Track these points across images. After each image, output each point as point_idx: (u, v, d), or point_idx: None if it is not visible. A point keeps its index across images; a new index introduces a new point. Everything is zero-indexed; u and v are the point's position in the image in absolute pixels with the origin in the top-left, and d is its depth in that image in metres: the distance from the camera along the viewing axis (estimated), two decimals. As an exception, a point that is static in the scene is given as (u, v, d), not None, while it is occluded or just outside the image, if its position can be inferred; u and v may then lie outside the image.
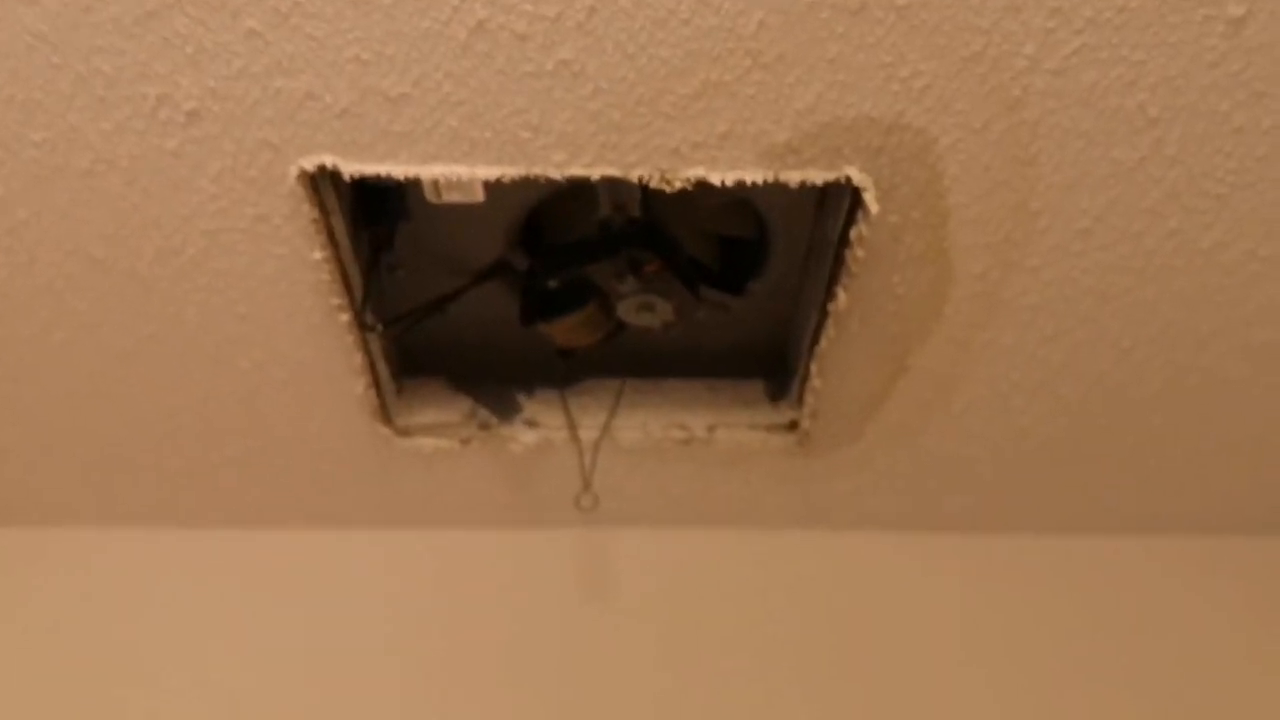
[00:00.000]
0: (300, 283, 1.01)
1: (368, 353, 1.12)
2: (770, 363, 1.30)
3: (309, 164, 0.87)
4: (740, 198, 1.09)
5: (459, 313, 1.20)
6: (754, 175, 0.89)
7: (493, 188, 0.98)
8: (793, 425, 1.27)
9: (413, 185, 1.00)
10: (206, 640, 1.35)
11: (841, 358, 1.13)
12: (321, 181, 0.91)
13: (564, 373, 1.28)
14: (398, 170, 0.89)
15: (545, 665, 1.36)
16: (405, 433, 1.25)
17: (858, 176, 0.90)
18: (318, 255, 0.96)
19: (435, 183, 0.99)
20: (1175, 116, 0.86)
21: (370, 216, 1.06)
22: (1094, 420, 1.24)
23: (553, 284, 1.13)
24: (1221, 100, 0.85)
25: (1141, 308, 1.07)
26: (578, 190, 1.06)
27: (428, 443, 1.25)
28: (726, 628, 1.40)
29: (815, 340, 1.12)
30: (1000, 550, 1.46)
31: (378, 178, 0.90)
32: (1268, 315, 1.08)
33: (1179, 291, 1.05)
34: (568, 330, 1.16)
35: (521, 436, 1.25)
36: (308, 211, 0.92)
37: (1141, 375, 1.17)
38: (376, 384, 1.17)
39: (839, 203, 0.98)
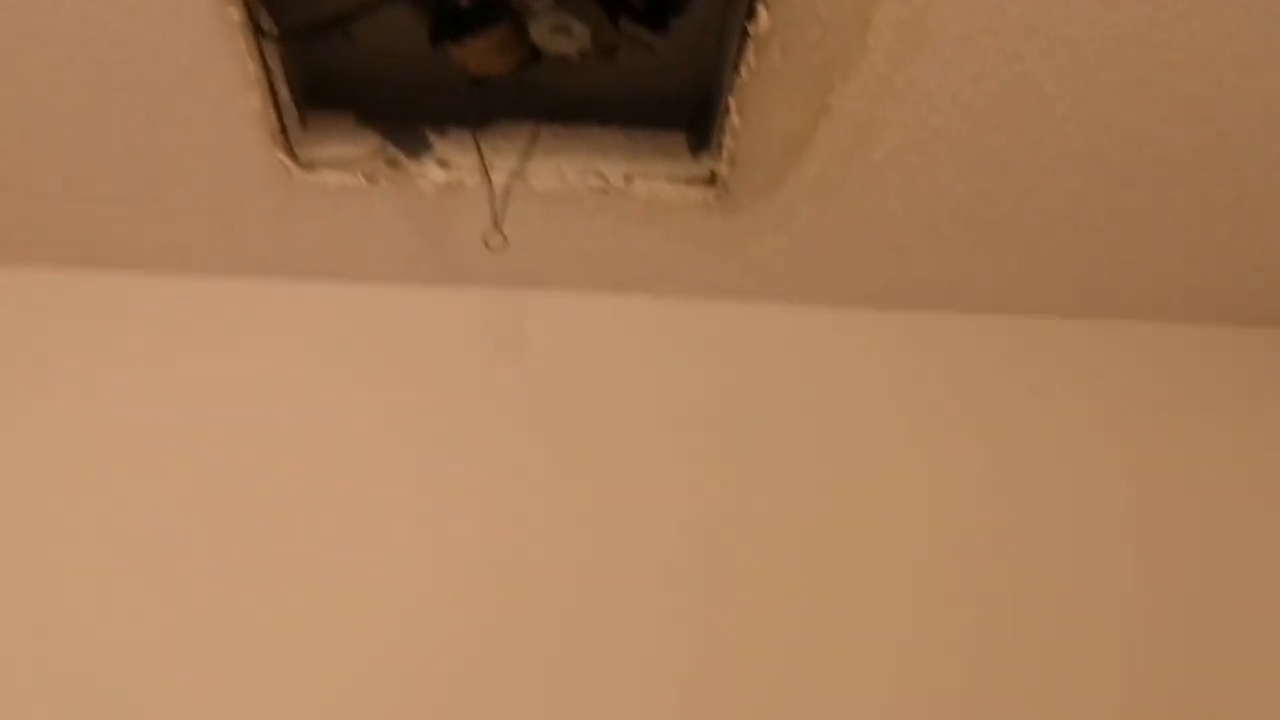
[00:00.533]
0: (188, -29, 0.94)
1: (264, 64, 1.06)
2: (693, 113, 1.26)
3: None
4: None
5: (368, 38, 1.15)
6: None
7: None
8: (712, 178, 1.24)
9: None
10: (95, 386, 1.32)
11: (762, 92, 1.09)
12: None
13: (477, 112, 1.23)
14: None
15: (451, 425, 1.35)
16: (309, 166, 1.20)
17: None
18: (204, -68, 0.89)
19: None
20: None
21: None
22: (1013, 178, 1.22)
23: (465, 2, 1.07)
24: None
25: (1068, 47, 1.04)
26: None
27: (332, 177, 1.21)
28: (637, 396, 1.40)
29: (734, 73, 1.08)
30: (917, 327, 1.47)
31: None
32: (1196, 64, 1.06)
33: (1109, 28, 1.02)
34: (480, 54, 1.11)
35: (431, 175, 1.21)
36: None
37: (1064, 129, 1.15)
38: (276, 104, 1.11)
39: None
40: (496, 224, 1.19)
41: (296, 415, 1.34)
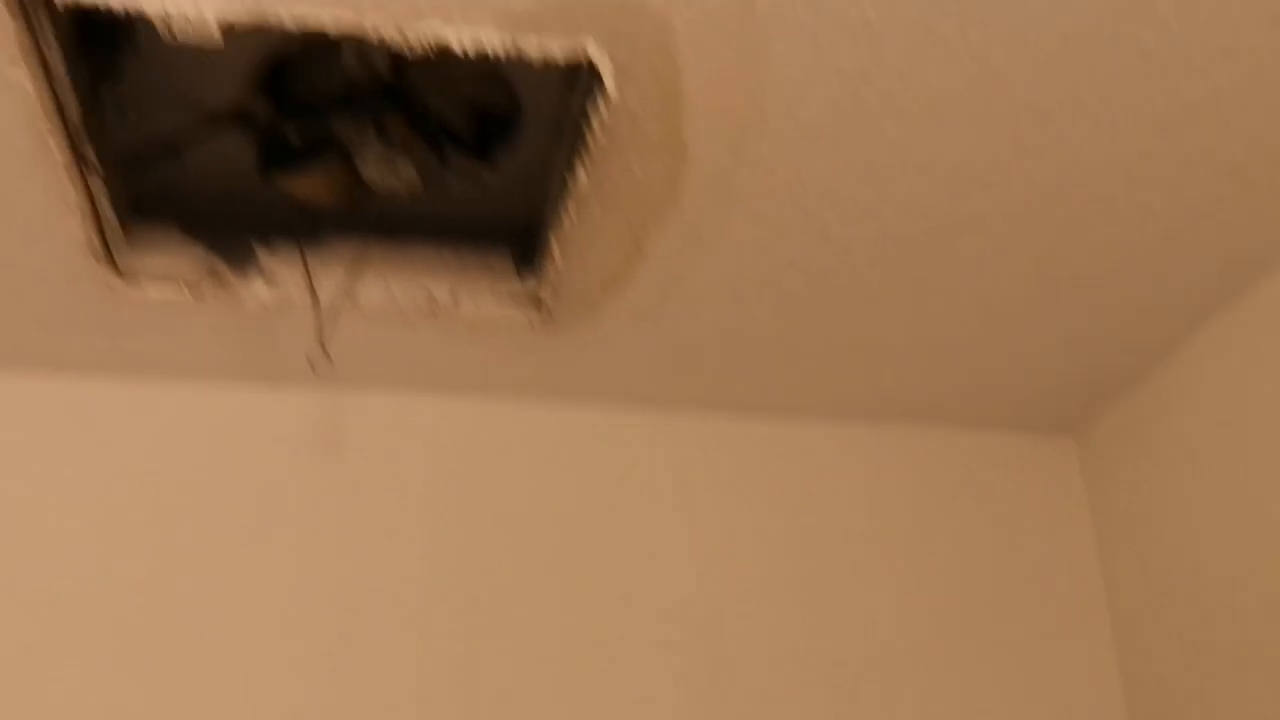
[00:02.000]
0: (11, 109, 0.94)
1: (87, 190, 1.06)
2: (519, 235, 1.31)
3: (13, -16, 0.81)
4: (494, 70, 1.09)
5: (197, 160, 1.16)
6: (492, 39, 0.89)
7: (230, 32, 0.94)
8: (536, 299, 1.29)
9: (145, 23, 0.95)
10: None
11: (581, 237, 1.15)
12: (31, 4, 0.85)
13: (305, 227, 1.26)
14: (118, 2, 0.84)
15: (276, 522, 1.36)
16: (132, 279, 1.20)
17: (596, 53, 0.91)
18: (25, 82, 0.90)
19: (166, 20, 0.94)
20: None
21: (92, 47, 1.00)
22: (814, 312, 1.31)
23: (293, 137, 1.10)
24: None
25: (860, 209, 1.14)
26: (326, 44, 1.03)
27: (156, 291, 1.21)
28: (461, 493, 1.44)
29: (555, 219, 1.14)
30: (724, 429, 1.54)
31: (97, 9, 0.85)
32: (973, 226, 1.17)
33: (892, 197, 1.12)
34: (308, 186, 1.14)
35: (256, 292, 1.22)
36: (14, 31, 0.86)
37: (857, 272, 1.24)
38: (99, 225, 1.12)
39: (582, 83, 0.99)
40: (322, 346, 1.21)
41: (115, 513, 1.33)
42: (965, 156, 1.06)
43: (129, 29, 0.99)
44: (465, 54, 0.92)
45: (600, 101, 0.96)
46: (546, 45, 0.90)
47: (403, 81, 1.09)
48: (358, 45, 1.03)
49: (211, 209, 1.23)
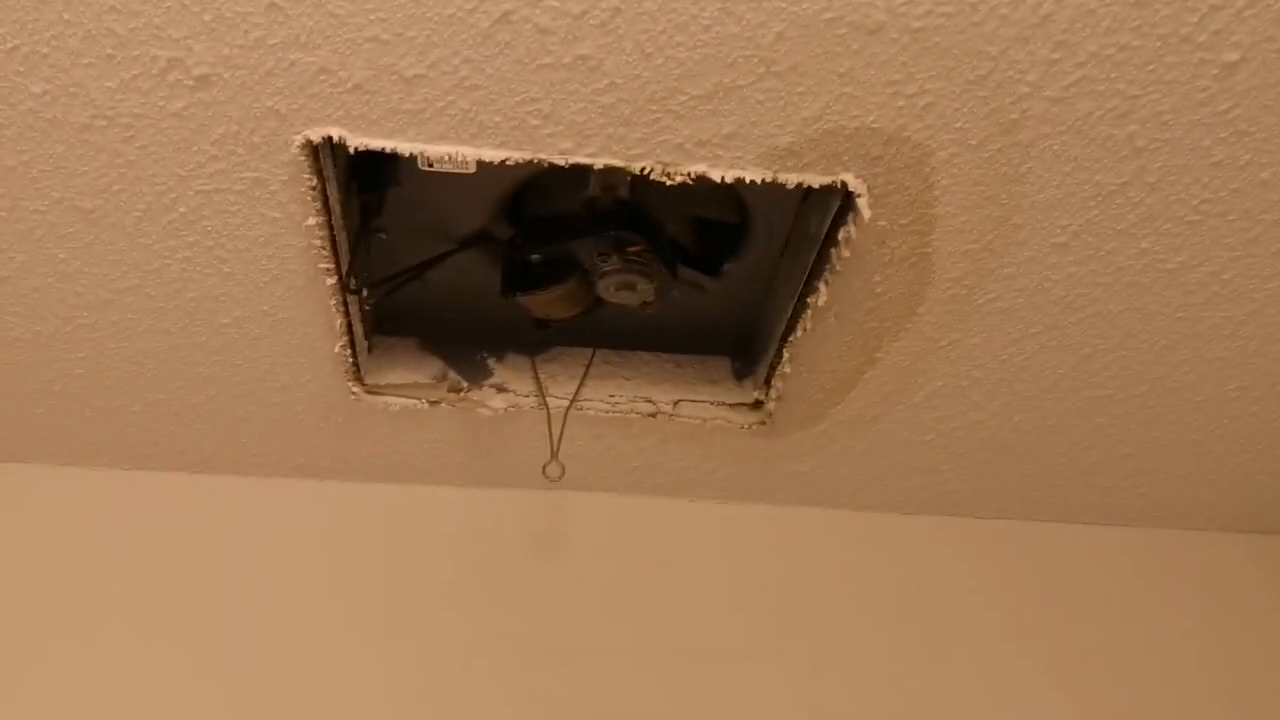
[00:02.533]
0: (290, 246, 1.00)
1: (346, 314, 1.12)
2: (738, 342, 1.32)
3: (315, 135, 0.87)
4: (727, 187, 1.11)
5: (437, 278, 1.21)
6: (753, 174, 0.91)
7: (484, 163, 0.99)
8: (756, 405, 1.30)
9: (404, 157, 1.01)
10: (163, 583, 1.36)
11: (814, 348, 1.16)
12: (323, 151, 0.91)
13: (536, 340, 1.30)
14: (403, 147, 0.89)
15: (498, 620, 1.39)
16: (374, 391, 1.26)
17: (853, 182, 0.92)
18: (311, 221, 0.96)
19: (431, 157, 1.00)
20: (1160, 148, 0.90)
21: (364, 183, 1.06)
22: (1045, 418, 1.29)
23: (535, 257, 1.14)
24: (1205, 136, 0.89)
25: (1105, 319, 1.11)
26: (569, 169, 1.07)
27: (396, 401, 1.26)
28: (678, 593, 1.44)
29: (789, 329, 1.15)
30: (946, 532, 1.52)
31: (380, 151, 0.90)
32: (1221, 333, 1.13)
33: (1142, 307, 1.09)
34: (546, 303, 1.17)
35: (490, 401, 1.26)
36: (307, 179, 0.91)
37: (1096, 380, 1.22)
38: (352, 344, 1.17)
39: (828, 202, 1.00)
40: (554, 454, 1.24)
41: (346, 608, 1.37)
42: (1223, 266, 1.03)
43: (392, 162, 1.05)
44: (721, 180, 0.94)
45: (850, 222, 0.97)
46: (806, 178, 0.92)
47: (638, 200, 1.12)
48: (601, 176, 1.06)
49: (448, 324, 1.28)
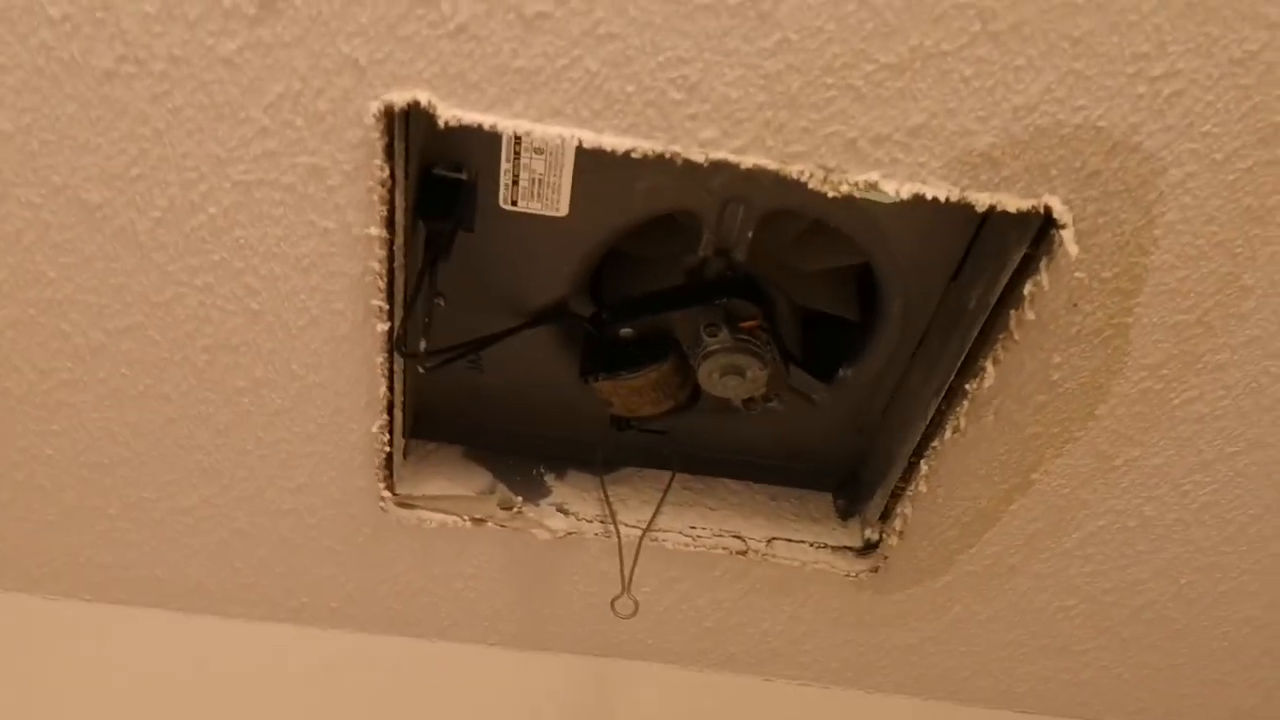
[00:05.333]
0: (340, 275, 0.80)
1: (391, 387, 0.90)
2: (844, 476, 1.11)
3: (399, 98, 0.69)
4: (848, 270, 0.93)
5: (495, 365, 1.01)
6: (937, 189, 0.73)
7: (578, 201, 0.81)
8: (868, 547, 1.07)
9: (481, 194, 0.83)
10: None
11: (959, 460, 0.94)
12: (399, 130, 0.72)
13: (602, 456, 1.08)
14: (506, 124, 0.70)
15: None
16: (407, 503, 1.03)
17: (1059, 209, 0.74)
18: (373, 231, 0.76)
19: (515, 181, 0.82)
20: None
21: (430, 215, 0.86)
22: (1218, 580, 1.06)
23: (626, 331, 0.94)
24: None
25: (1321, 436, 0.91)
26: (669, 225, 0.89)
27: (432, 517, 1.03)
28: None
29: (930, 435, 0.94)
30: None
31: (473, 129, 0.72)
32: None
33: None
34: (632, 392, 0.97)
35: (549, 521, 1.03)
36: (378, 168, 0.72)
37: (1291, 527, 1.00)
38: (390, 430, 0.95)
39: (999, 259, 0.81)
40: (626, 586, 1.00)
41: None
42: None
43: (467, 200, 0.86)
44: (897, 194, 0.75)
45: (1043, 272, 0.78)
46: (1000, 199, 0.73)
47: (754, 272, 0.93)
48: (719, 225, 0.88)
49: (500, 429, 1.07)
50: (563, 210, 0.85)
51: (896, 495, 1.01)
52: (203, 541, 1.04)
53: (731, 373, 0.93)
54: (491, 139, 0.77)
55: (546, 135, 0.71)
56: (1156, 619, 1.11)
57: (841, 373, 1.01)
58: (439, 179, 0.83)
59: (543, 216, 0.85)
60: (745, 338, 0.92)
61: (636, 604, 0.99)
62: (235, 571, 1.08)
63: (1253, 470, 0.94)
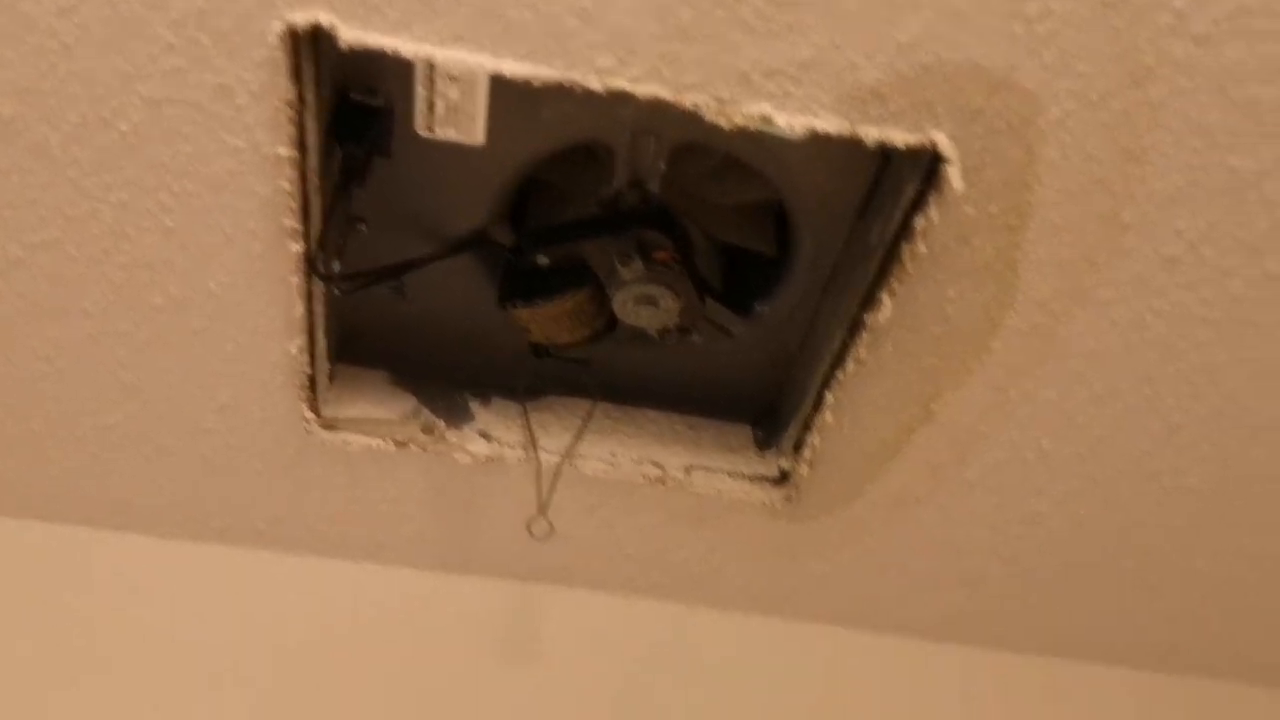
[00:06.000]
0: (252, 194, 0.82)
1: (310, 306, 0.93)
2: (761, 409, 1.14)
3: (300, 19, 0.70)
4: (764, 204, 0.95)
5: (419, 292, 1.03)
6: (828, 123, 0.75)
7: (495, 130, 0.83)
8: (783, 477, 1.11)
9: (399, 121, 0.84)
10: (37, 667, 1.10)
11: (861, 391, 0.98)
12: (305, 52, 0.74)
13: (526, 382, 1.10)
14: (407, 48, 0.72)
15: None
16: (332, 425, 1.05)
17: (945, 144, 0.76)
18: (282, 151, 0.78)
19: (431, 108, 0.83)
20: (1313, 123, 0.75)
21: (348, 140, 0.88)
22: (1113, 514, 1.10)
23: (542, 260, 0.97)
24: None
25: (1206, 374, 0.95)
26: (585, 157, 0.91)
27: (356, 440, 1.05)
28: (658, 709, 1.21)
29: (835, 366, 0.97)
30: (977, 663, 1.30)
31: (376, 54, 0.73)
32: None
33: (1254, 360, 0.93)
34: (549, 319, 0.99)
35: (472, 446, 1.06)
36: (283, 89, 0.74)
37: (1181, 464, 1.04)
38: (311, 352, 0.98)
39: (900, 184, 0.84)
40: (542, 508, 1.03)
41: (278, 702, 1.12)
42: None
43: (383, 127, 0.88)
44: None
45: (932, 205, 0.81)
46: (889, 134, 0.76)
47: (669, 204, 0.96)
48: (633, 157, 0.90)
49: (424, 354, 1.09)
50: (479, 139, 0.86)
51: (807, 426, 1.04)
52: (128, 458, 1.07)
53: (645, 302, 0.96)
54: (407, 66, 0.79)
55: (454, 61, 0.73)
56: (1059, 550, 1.16)
57: (758, 307, 1.04)
58: (355, 104, 0.85)
59: (460, 145, 0.87)
60: (658, 268, 0.94)
61: (551, 526, 1.02)
62: (161, 489, 1.10)
63: (1142, 406, 0.98)
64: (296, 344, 0.94)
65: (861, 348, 0.92)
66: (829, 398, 0.98)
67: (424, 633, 1.19)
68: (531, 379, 1.11)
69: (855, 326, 0.92)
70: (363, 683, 1.15)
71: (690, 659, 1.24)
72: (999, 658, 1.31)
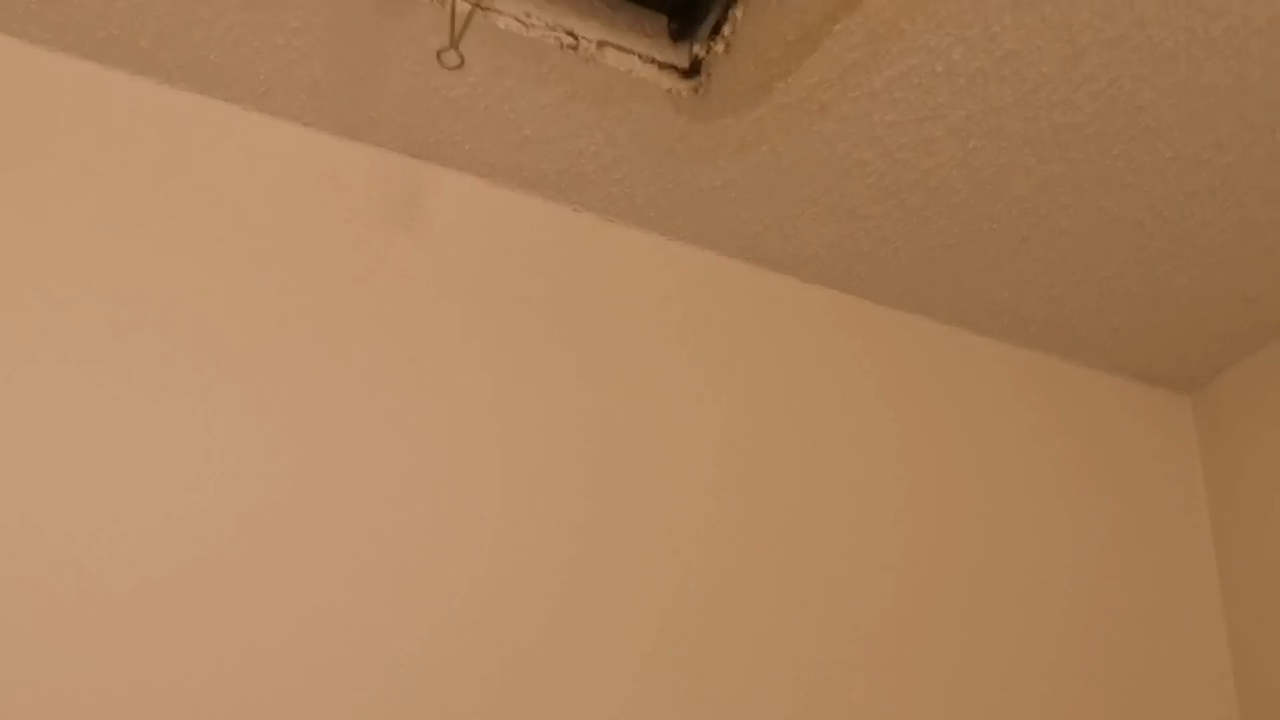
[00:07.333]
0: None
1: None
2: (676, 2, 1.13)
3: None
4: None
5: None
6: None
7: None
8: (694, 68, 1.11)
9: None
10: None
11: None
12: None
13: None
14: None
15: (338, 291, 1.14)
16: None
17: None
18: None
19: None
20: None
21: None
22: (999, 150, 1.15)
23: None
24: None
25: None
26: None
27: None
28: (525, 310, 1.22)
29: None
30: (844, 311, 1.36)
31: None
32: (1230, 44, 1.01)
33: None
34: None
35: (383, -26, 1.02)
36: None
37: (1075, 98, 1.09)
38: None
39: None
40: (455, 41, 1.00)
41: (143, 261, 1.08)
42: None
43: None
44: None
45: None
46: None
47: None
48: None
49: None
50: None
51: (724, 11, 1.03)
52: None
53: None
54: None
55: None
56: (940, 187, 1.20)
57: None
58: None
59: None
60: None
61: (462, 58, 0.99)
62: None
63: (1055, 19, 1.01)
64: None
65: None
66: (752, -29, 0.97)
67: (305, 196, 1.16)
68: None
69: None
70: (241, 235, 1.12)
71: (567, 266, 1.25)
72: (863, 307, 1.37)
